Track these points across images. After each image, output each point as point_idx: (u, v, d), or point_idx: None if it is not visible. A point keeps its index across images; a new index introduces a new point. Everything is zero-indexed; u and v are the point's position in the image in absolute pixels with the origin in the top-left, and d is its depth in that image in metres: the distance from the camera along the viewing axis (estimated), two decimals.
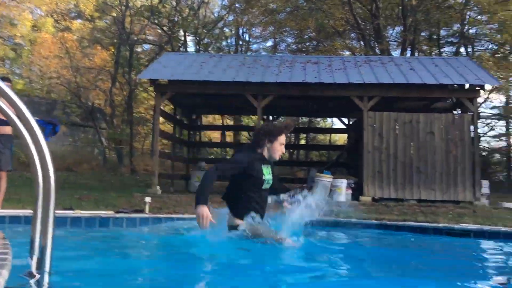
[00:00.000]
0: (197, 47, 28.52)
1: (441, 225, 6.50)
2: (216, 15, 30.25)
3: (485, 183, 12.65)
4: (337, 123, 28.34)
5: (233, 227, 4.19)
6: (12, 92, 2.04)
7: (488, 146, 29.31)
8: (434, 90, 12.80)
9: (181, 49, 27.91)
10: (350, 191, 12.37)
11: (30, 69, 30.00)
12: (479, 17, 23.18)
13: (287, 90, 12.98)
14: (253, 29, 30.52)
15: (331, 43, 25.09)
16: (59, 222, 5.86)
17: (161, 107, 14.48)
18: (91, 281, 3.02)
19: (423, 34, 25.66)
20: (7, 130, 6.89)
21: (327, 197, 11.78)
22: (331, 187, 12.08)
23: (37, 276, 2.34)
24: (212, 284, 3.21)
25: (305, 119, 28.98)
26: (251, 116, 25.00)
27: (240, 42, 31.15)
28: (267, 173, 4.29)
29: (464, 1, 23.08)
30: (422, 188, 12.03)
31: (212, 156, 27.23)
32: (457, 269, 4.01)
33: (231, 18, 28.71)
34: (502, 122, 27.70)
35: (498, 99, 27.62)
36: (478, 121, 14.45)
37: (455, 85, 12.73)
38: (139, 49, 29.09)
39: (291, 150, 26.37)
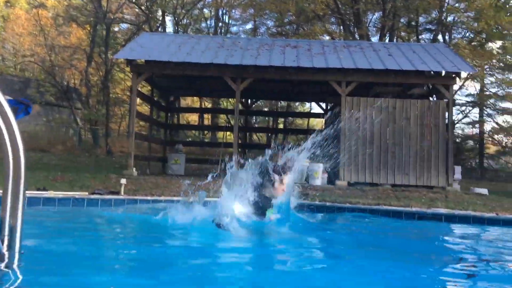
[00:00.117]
0: (176, 28, 28.11)
1: (413, 209, 6.64)
2: None
3: (458, 169, 12.93)
4: (315, 107, 28.52)
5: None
6: None
7: (461, 133, 29.92)
8: (411, 76, 12.93)
9: (159, 29, 27.48)
10: (326, 175, 12.50)
11: (3, 47, 29.17)
12: (457, 4, 23.39)
13: (266, 74, 12.95)
14: (233, 11, 30.22)
15: (311, 27, 25.03)
16: (32, 203, 5.76)
17: (138, 88, 14.28)
18: (60, 262, 2.99)
19: (402, 20, 25.79)
20: None
21: (303, 181, 11.89)
22: (307, 171, 12.18)
23: (7, 255, 2.31)
24: (184, 265, 3.22)
25: (283, 103, 29.02)
26: (229, 99, 24.90)
27: (220, 24, 30.84)
28: None
29: None
30: (397, 173, 12.23)
31: (190, 139, 27.11)
32: (422, 252, 4.11)
33: None
34: (476, 110, 28.24)
35: (473, 87, 28.09)
36: (453, 108, 14.68)
37: (432, 72, 12.88)
38: (116, 29, 28.53)
39: (269, 134, 26.41)
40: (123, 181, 7.55)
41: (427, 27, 27.19)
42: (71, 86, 27.34)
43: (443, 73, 12.81)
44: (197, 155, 20.01)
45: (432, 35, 26.41)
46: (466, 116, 28.75)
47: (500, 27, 21.54)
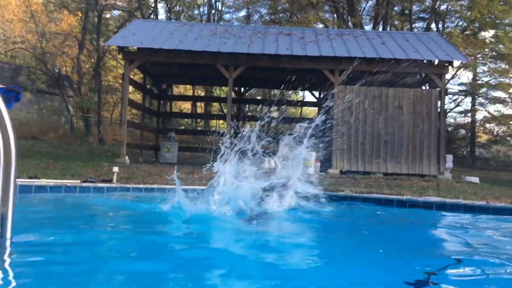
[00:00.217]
0: (168, 15, 27.87)
1: (404, 197, 6.68)
2: None
3: (449, 158, 13.01)
4: (308, 96, 28.48)
5: None
6: None
7: (453, 122, 30.08)
8: (404, 65, 12.92)
9: (152, 16, 27.23)
10: (319, 164, 12.53)
11: None
12: None
13: (259, 62, 12.90)
14: None
15: (305, 15, 24.92)
16: (24, 190, 5.74)
17: (131, 76, 14.19)
18: (51, 250, 2.99)
19: (395, 9, 25.75)
20: None
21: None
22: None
23: None
24: (174, 252, 3.24)
25: (276, 92, 28.94)
26: (222, 87, 24.81)
27: (213, 11, 30.57)
28: None
29: None
30: (389, 162, 12.29)
31: (183, 127, 27.03)
32: (411, 240, 4.15)
33: None
34: (468, 99, 28.38)
35: (466, 76, 28.22)
36: (445, 97, 14.74)
37: (425, 61, 12.89)
38: (107, 15, 28.22)
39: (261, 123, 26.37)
40: (116, 169, 7.52)
41: (421, 15, 27.20)
42: (62, 73, 27.08)
43: (436, 62, 12.83)
44: (190, 143, 19.99)
45: (425, 24, 26.44)
46: (458, 105, 28.91)
47: (493, 16, 21.59)
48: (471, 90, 27.01)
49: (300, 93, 31.75)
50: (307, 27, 20.08)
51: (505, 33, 23.11)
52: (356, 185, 9.32)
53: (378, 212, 6.03)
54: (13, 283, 2.15)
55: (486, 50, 23.72)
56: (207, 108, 28.46)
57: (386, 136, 12.37)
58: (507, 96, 26.64)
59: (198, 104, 29.99)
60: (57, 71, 25.79)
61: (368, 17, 27.17)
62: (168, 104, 24.13)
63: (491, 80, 26.44)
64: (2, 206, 2.25)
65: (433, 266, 3.15)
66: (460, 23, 25.78)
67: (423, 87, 14.02)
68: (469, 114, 28.82)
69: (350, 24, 23.21)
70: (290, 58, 12.60)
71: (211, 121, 29.65)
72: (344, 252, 3.48)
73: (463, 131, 30.07)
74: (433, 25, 25.68)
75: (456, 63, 13.85)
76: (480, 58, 24.56)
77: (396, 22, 26.59)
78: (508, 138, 29.38)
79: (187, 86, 28.33)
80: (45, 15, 25.45)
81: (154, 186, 6.96)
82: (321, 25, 25.65)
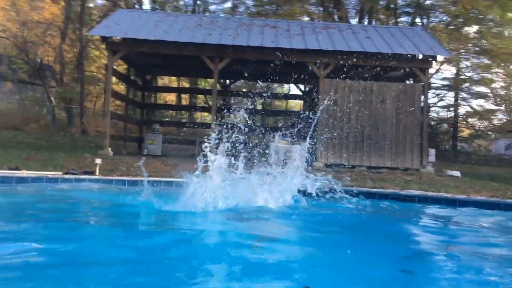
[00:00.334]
0: (153, 5, 27.53)
1: (387, 190, 6.74)
2: None
3: (432, 152, 13.15)
4: (293, 89, 28.53)
5: None
6: None
7: (436, 116, 30.38)
8: (388, 59, 12.99)
9: (136, 6, 26.86)
10: (303, 157, 12.56)
11: None
12: None
13: (244, 54, 12.84)
14: None
15: (291, 8, 24.84)
16: (4, 181, 5.65)
17: (114, 67, 14.02)
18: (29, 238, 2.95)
19: (381, 2, 25.80)
20: None
21: (281, 162, 11.92)
22: (285, 152, 12.21)
23: None
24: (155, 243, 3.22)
25: (262, 84, 28.87)
26: (207, 79, 24.66)
27: (198, 2, 30.28)
28: None
29: None
30: (373, 155, 12.38)
31: (167, 119, 26.82)
32: (390, 232, 4.19)
33: None
34: (451, 93, 28.67)
35: (449, 71, 28.49)
36: (429, 91, 14.85)
37: (409, 55, 12.97)
38: (91, 4, 27.72)
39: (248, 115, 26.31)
40: (98, 161, 7.45)
41: (406, 10, 27.29)
42: (44, 63, 26.62)
43: (420, 56, 12.92)
44: (174, 135, 19.86)
45: (410, 18, 26.56)
46: (441, 99, 29.18)
47: (476, 12, 21.79)
48: (454, 85, 27.27)
49: (286, 86, 31.79)
50: (293, 20, 20.02)
51: (488, 28, 23.35)
52: (340, 178, 9.36)
53: (360, 205, 6.07)
54: None
55: (470, 45, 23.94)
56: (192, 100, 28.28)
57: (370, 129, 12.44)
58: (489, 91, 27.00)
59: (183, 96, 29.79)
60: (39, 60, 25.31)
61: (354, 11, 27.20)
62: (153, 95, 23.93)
63: (474, 75, 26.75)
64: None
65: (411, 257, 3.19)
66: (445, 18, 25.97)
67: (407, 82, 14.11)
68: (452, 109, 29.13)
69: (336, 17, 23.23)
70: (276, 50, 12.56)
71: (195, 113, 29.48)
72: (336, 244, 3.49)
73: (445, 126, 30.40)
74: (417, 20, 25.83)
75: (440, 58, 13.97)
76: (463, 53, 24.79)
77: (381, 16, 26.66)
78: (490, 133, 29.82)
79: (172, 77, 28.09)
80: (26, 4, 24.94)
81: (138, 178, 6.91)
82: (307, 18, 25.61)
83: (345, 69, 13.47)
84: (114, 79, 14.95)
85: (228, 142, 4.68)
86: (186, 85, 28.72)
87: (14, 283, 2.28)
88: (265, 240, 3.65)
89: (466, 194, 7.25)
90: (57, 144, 15.35)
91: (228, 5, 30.64)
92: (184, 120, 28.54)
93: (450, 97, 29.11)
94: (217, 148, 4.67)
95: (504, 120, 27.87)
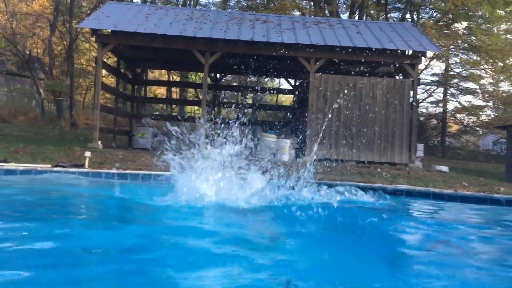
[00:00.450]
0: None
1: (376, 185, 6.81)
2: None
3: (420, 147, 13.28)
4: (284, 83, 28.53)
5: None
6: None
7: (425, 112, 30.61)
8: (378, 54, 13.07)
9: None
10: (293, 151, 12.63)
11: None
12: None
13: (235, 48, 12.83)
14: None
15: (282, 2, 24.83)
16: None
17: (104, 59, 13.93)
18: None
19: None
20: None
21: (270, 156, 11.98)
22: (275, 146, 12.27)
23: None
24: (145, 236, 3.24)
25: (253, 79, 28.85)
26: (198, 73, 24.59)
27: None
28: None
29: None
30: (362, 150, 12.46)
31: (157, 113, 26.70)
32: (374, 225, 4.24)
33: None
34: (440, 89, 28.88)
35: (438, 67, 28.69)
36: (418, 87, 14.95)
37: (399, 51, 13.05)
38: None
39: (238, 109, 26.31)
40: (88, 154, 7.44)
41: (396, 6, 27.42)
42: (33, 55, 26.37)
43: (410, 52, 13.00)
44: (164, 129, 19.78)
45: (400, 14, 26.68)
46: (430, 95, 29.41)
47: (466, 8, 21.95)
48: (443, 80, 27.50)
49: (276, 80, 31.80)
50: (284, 14, 20.02)
51: (478, 25, 23.53)
52: (329, 173, 9.43)
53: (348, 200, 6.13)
54: None
55: (459, 41, 24.12)
56: (182, 94, 28.18)
57: (359, 124, 12.52)
58: (477, 87, 27.24)
59: (173, 89, 29.67)
60: (28, 52, 25.06)
61: (344, 6, 27.27)
62: (143, 89, 23.80)
63: (462, 71, 26.97)
64: None
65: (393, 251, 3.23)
66: (434, 14, 26.14)
67: (397, 77, 14.20)
68: (440, 104, 29.37)
69: (326, 12, 23.25)
70: (267, 45, 12.58)
71: (186, 107, 29.40)
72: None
73: (434, 121, 30.66)
74: (408, 16, 25.96)
75: (429, 53, 14.09)
76: (452, 49, 24.98)
77: (372, 12, 26.75)
78: (478, 129, 30.11)
79: (162, 71, 27.96)
80: None
81: (127, 171, 6.91)
82: (298, 13, 25.62)
83: (335, 64, 13.54)
84: (104, 72, 14.87)
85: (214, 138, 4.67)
86: (177, 78, 28.61)
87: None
88: (240, 235, 3.67)
89: (454, 189, 7.35)
90: (46, 137, 15.25)
91: None
92: (174, 114, 28.46)
93: (439, 93, 29.36)
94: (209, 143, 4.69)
95: (492, 116, 28.15)
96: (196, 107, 27.58)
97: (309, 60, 12.61)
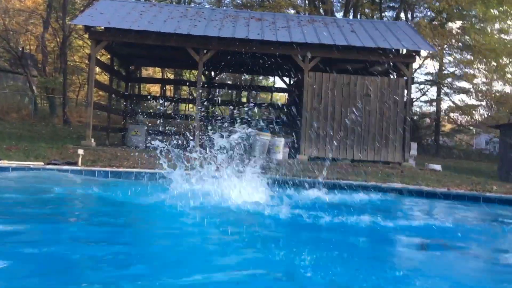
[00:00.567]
0: None
1: (369, 183, 6.81)
2: None
3: (414, 146, 13.32)
4: (278, 82, 28.55)
5: None
6: None
7: (419, 111, 30.75)
8: (373, 53, 13.08)
9: None
10: (287, 150, 12.61)
11: None
12: None
13: (229, 46, 12.79)
14: None
15: (276, 0, 24.82)
16: None
17: (97, 57, 13.85)
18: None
19: None
20: None
21: (264, 154, 11.97)
22: (269, 145, 12.25)
23: None
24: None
25: (247, 77, 28.85)
26: (192, 70, 24.52)
27: None
28: None
29: None
30: (356, 149, 12.48)
31: (151, 110, 26.61)
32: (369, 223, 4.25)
33: None
34: (434, 88, 29.01)
35: (432, 66, 28.82)
36: (412, 86, 14.99)
37: (393, 50, 13.06)
38: None
39: (233, 107, 26.28)
40: (81, 151, 7.39)
41: (391, 4, 27.49)
42: (26, 52, 26.20)
43: (404, 51, 13.02)
44: (158, 126, 19.72)
45: (394, 13, 26.74)
46: (424, 94, 29.53)
47: (460, 8, 22.03)
48: (437, 80, 27.60)
49: (271, 78, 31.80)
50: (278, 13, 20.00)
51: (471, 24, 23.64)
52: (323, 171, 9.43)
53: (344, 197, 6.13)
54: None
55: (453, 40, 24.23)
56: (176, 91, 28.10)
57: (353, 123, 12.53)
58: (471, 86, 27.38)
59: (167, 87, 29.58)
60: (20, 49, 24.90)
61: (339, 4, 27.30)
62: (136, 86, 23.73)
63: (456, 70, 27.10)
64: None
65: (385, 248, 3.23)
66: (429, 13, 26.22)
67: (391, 76, 14.22)
68: (434, 104, 29.49)
69: (321, 10, 23.25)
70: (261, 43, 12.55)
71: (180, 105, 29.31)
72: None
73: (428, 120, 30.79)
74: (402, 15, 26.02)
75: (423, 53, 14.13)
76: (446, 49, 25.08)
77: (366, 11, 26.81)
78: (471, 128, 30.28)
79: (156, 68, 27.87)
80: None
81: (120, 169, 6.87)
82: (292, 11, 25.61)
83: (329, 63, 13.53)
84: (97, 69, 14.78)
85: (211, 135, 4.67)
86: (171, 76, 28.53)
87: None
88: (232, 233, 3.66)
89: (446, 188, 7.37)
90: (39, 134, 15.16)
91: None
92: (169, 112, 28.39)
93: (433, 92, 29.49)
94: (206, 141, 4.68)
95: (485, 115, 28.31)
96: (191, 105, 27.51)
97: (304, 58, 12.60)
